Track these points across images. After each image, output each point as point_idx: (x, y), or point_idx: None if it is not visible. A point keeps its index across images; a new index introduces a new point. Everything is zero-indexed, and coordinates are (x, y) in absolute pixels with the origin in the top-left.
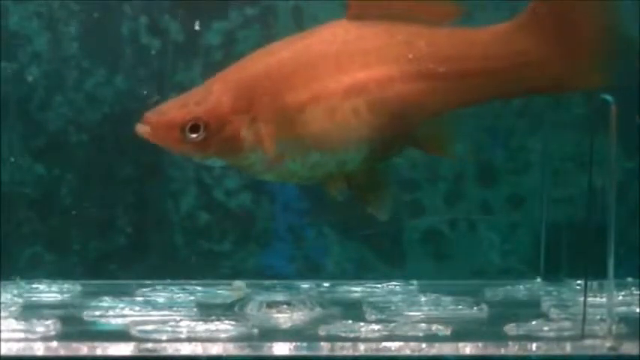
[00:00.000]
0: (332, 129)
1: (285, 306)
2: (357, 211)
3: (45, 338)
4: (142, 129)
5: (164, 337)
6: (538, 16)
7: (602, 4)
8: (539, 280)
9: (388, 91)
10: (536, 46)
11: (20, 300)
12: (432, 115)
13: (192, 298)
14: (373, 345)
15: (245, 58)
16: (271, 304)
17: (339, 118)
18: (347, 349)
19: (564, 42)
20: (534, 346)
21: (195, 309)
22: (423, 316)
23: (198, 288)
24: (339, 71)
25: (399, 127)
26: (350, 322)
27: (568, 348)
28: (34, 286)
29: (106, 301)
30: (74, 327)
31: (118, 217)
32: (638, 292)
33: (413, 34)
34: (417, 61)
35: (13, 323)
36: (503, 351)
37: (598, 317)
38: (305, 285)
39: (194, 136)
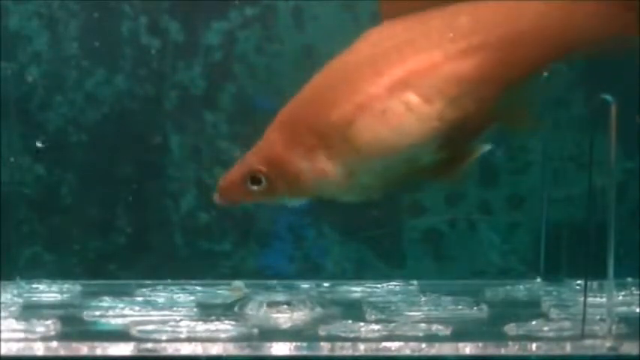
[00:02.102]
0: (387, 131)
1: (285, 306)
2: (357, 212)
3: (45, 338)
4: (215, 197)
5: (164, 337)
6: None
7: None
8: (539, 280)
9: (437, 77)
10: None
11: (20, 300)
12: (504, 85)
13: (192, 298)
14: (373, 345)
15: (294, 96)
16: (271, 304)
17: (390, 118)
18: (347, 349)
19: None
20: (534, 346)
21: (195, 309)
22: (423, 316)
23: (198, 288)
24: (377, 74)
25: (466, 105)
26: (350, 322)
27: (568, 348)
28: (34, 286)
29: (106, 301)
30: (74, 327)
31: (118, 217)
32: (638, 292)
33: (452, 14)
34: (460, 38)
35: (13, 323)
36: (503, 351)
37: (598, 317)
38: (305, 285)
39: (257, 187)
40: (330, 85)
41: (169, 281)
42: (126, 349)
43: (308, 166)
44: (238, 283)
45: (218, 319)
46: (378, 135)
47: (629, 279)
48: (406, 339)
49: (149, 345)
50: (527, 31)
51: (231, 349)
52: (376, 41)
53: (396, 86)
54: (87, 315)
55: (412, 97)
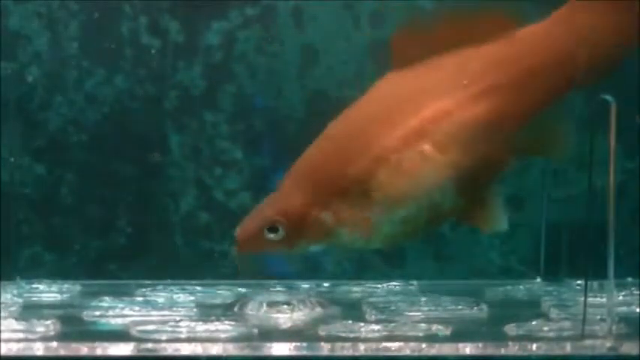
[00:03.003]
0: (404, 182)
1: (285, 306)
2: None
3: (45, 338)
4: (234, 250)
5: (164, 337)
6: None
7: None
8: (539, 280)
9: (450, 125)
10: (595, 21)
11: (20, 300)
12: (520, 124)
13: (192, 298)
14: (373, 345)
15: (310, 145)
16: (271, 304)
17: (406, 169)
18: (347, 349)
19: (622, 10)
20: (534, 346)
21: (195, 309)
22: (423, 316)
23: (198, 288)
24: (391, 126)
25: (482, 149)
26: (350, 322)
27: (568, 348)
28: (34, 286)
29: (106, 301)
30: (74, 327)
31: (118, 217)
32: (638, 292)
33: (462, 59)
34: (471, 83)
35: (13, 323)
36: (503, 351)
37: (598, 317)
38: (305, 285)
39: (273, 236)
40: (345, 137)
41: (169, 281)
42: (126, 349)
43: (327, 218)
44: None
45: (218, 319)
46: (396, 187)
47: (629, 279)
48: (406, 339)
49: (149, 345)
50: (538, 67)
51: (231, 349)
52: (388, 90)
53: (411, 137)
54: (87, 315)
55: (427, 147)
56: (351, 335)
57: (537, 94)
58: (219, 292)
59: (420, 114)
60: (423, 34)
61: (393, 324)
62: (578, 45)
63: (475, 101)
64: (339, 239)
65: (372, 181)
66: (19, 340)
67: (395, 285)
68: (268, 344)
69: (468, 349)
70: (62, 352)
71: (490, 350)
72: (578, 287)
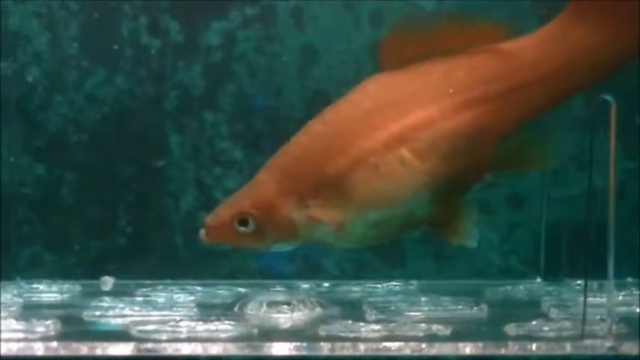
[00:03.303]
0: (381, 186)
1: (285, 306)
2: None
3: (45, 338)
4: (202, 234)
5: (164, 337)
6: (580, 8)
7: None
8: (539, 280)
9: (432, 133)
10: (587, 37)
11: (20, 300)
12: (501, 136)
13: (192, 298)
14: (373, 345)
15: (289, 141)
16: (271, 304)
17: (384, 173)
18: (347, 349)
19: (617, 23)
20: (534, 346)
21: (195, 309)
22: (423, 316)
23: (198, 288)
24: (373, 128)
25: (461, 159)
26: (350, 322)
27: (568, 348)
28: (34, 286)
29: (106, 301)
30: (74, 327)
31: (118, 217)
32: (638, 292)
33: (451, 67)
34: (458, 92)
35: (13, 323)
36: (503, 351)
37: (598, 317)
38: (305, 285)
39: (244, 229)
40: (326, 136)
41: (169, 281)
42: (126, 349)
43: (300, 214)
44: (108, 278)
45: (218, 319)
46: (372, 189)
47: (629, 279)
48: (406, 339)
49: (149, 345)
50: (525, 83)
51: (231, 349)
52: (374, 92)
53: (391, 141)
54: (87, 315)
55: (406, 153)
56: (351, 335)
57: (522, 109)
58: (219, 292)
59: (403, 119)
60: (413, 39)
61: (393, 324)
62: (567, 60)
63: (459, 111)
64: (309, 237)
65: (348, 181)
66: (19, 340)
67: (395, 285)
68: (268, 344)
69: (468, 349)
70: (62, 352)
71: (490, 350)
72: (578, 287)
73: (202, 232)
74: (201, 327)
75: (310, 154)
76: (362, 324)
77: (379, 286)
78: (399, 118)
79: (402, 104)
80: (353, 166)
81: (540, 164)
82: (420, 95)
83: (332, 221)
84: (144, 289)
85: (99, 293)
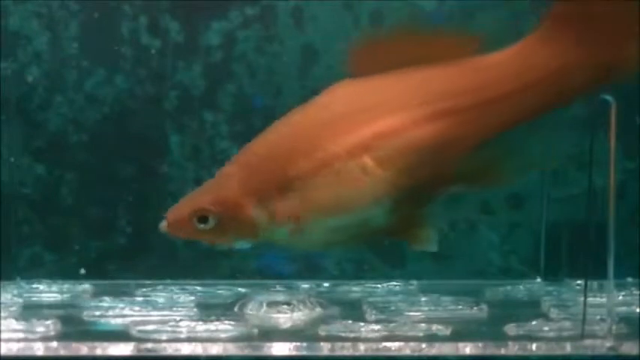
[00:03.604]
0: (341, 192)
1: (285, 306)
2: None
3: (45, 338)
4: (162, 226)
5: (164, 337)
6: (556, 26)
7: None
8: (539, 280)
9: (397, 142)
10: (558, 57)
11: (20, 300)
12: (465, 150)
13: (192, 298)
14: (373, 345)
15: (252, 140)
16: (271, 304)
17: (346, 179)
18: (347, 349)
19: (590, 44)
20: (534, 346)
21: (195, 309)
22: (423, 316)
23: (198, 288)
24: (339, 133)
25: (424, 171)
26: (350, 322)
27: (568, 348)
28: (34, 286)
29: (106, 301)
30: (74, 327)
31: (118, 217)
32: (638, 292)
33: (421, 77)
34: (428, 103)
35: (13, 323)
36: (503, 351)
37: (598, 317)
38: (305, 285)
39: (204, 225)
40: (292, 137)
41: (169, 281)
42: (126, 349)
43: (261, 213)
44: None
45: (218, 319)
46: (332, 194)
47: (629, 279)
48: (406, 339)
49: (149, 345)
50: (496, 98)
51: (231, 349)
52: (342, 98)
53: (356, 148)
54: (87, 315)
55: (369, 161)
56: (351, 335)
57: (490, 124)
58: (219, 292)
59: (369, 127)
60: (384, 46)
61: (393, 324)
62: (538, 78)
63: (426, 122)
64: (268, 236)
65: (310, 184)
66: (19, 340)
67: (395, 285)
68: (268, 344)
69: (468, 349)
70: (62, 352)
71: (490, 350)
72: (578, 287)
73: (163, 224)
74: (201, 327)
75: (274, 155)
76: (362, 324)
77: (379, 286)
78: (365, 125)
79: (369, 111)
80: (315, 170)
81: (504, 181)
82: (388, 103)
83: (290, 224)
84: (144, 289)
85: (99, 293)
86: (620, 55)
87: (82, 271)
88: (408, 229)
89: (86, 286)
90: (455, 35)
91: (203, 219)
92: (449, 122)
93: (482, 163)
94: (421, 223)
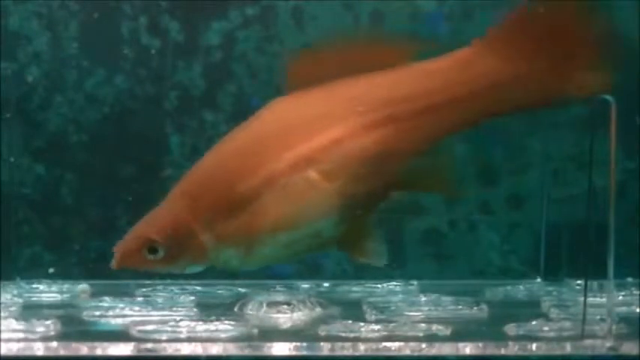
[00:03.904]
0: (289, 207)
1: (285, 306)
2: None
3: (45, 338)
4: (113, 264)
5: (164, 337)
6: (503, 34)
7: (581, 5)
8: (539, 280)
9: (340, 153)
10: (505, 65)
11: (20, 300)
12: (408, 157)
13: (192, 298)
14: (373, 345)
15: (195, 164)
16: (271, 304)
17: (293, 194)
18: (347, 349)
19: (540, 54)
20: (534, 346)
21: (195, 309)
22: (423, 316)
23: (198, 288)
24: (282, 149)
25: (369, 180)
26: (350, 322)
27: (568, 348)
28: (34, 286)
29: (106, 301)
30: (74, 327)
31: (118, 217)
32: (638, 292)
33: (360, 86)
34: (368, 112)
35: (13, 323)
36: (503, 351)
37: (598, 317)
38: (305, 285)
39: (154, 256)
40: (234, 157)
41: (169, 281)
42: (126, 349)
43: (209, 237)
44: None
45: (218, 319)
46: (280, 211)
47: (629, 279)
48: (406, 339)
49: (149, 345)
50: (433, 106)
51: (231, 349)
52: (282, 113)
53: (300, 162)
54: (87, 315)
55: (314, 174)
56: (351, 335)
57: (430, 131)
58: (219, 292)
59: (311, 140)
60: (320, 59)
61: (393, 324)
62: (478, 87)
63: (367, 132)
64: (219, 259)
65: (257, 203)
66: (19, 340)
67: (395, 285)
68: (268, 344)
69: (468, 349)
70: (62, 352)
71: (490, 350)
72: (578, 287)
73: (113, 262)
74: (201, 327)
75: (218, 177)
76: (362, 324)
77: (379, 286)
78: (307, 139)
79: (309, 125)
80: (261, 187)
81: (446, 186)
82: (328, 116)
83: (240, 244)
84: (144, 289)
85: (99, 293)
86: (568, 69)
87: (51, 270)
88: (357, 241)
89: (86, 286)
90: (393, 42)
91: (153, 250)
92: (389, 130)
93: (425, 168)
94: (368, 234)
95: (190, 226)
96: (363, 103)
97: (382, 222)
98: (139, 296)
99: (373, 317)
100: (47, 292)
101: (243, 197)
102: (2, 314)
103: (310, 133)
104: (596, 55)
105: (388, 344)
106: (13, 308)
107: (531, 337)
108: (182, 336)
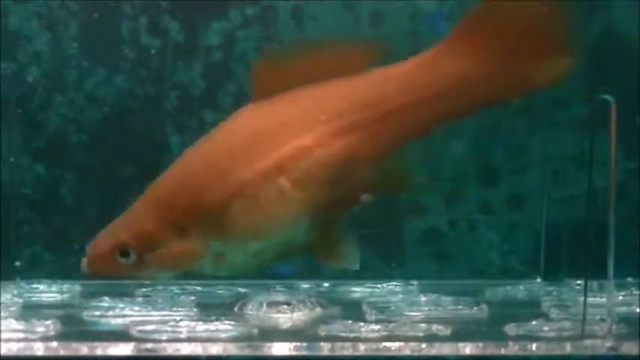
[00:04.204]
0: (260, 216)
1: (285, 306)
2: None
3: (45, 338)
4: (83, 267)
5: (164, 337)
6: (464, 33)
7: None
8: (539, 280)
9: (307, 161)
10: (468, 63)
11: (20, 300)
12: (376, 161)
13: (192, 298)
14: (373, 345)
15: (165, 171)
16: (271, 304)
17: (262, 203)
18: (347, 349)
19: (500, 48)
20: (534, 346)
21: (195, 309)
22: (423, 316)
23: (198, 288)
24: (252, 158)
25: (338, 186)
26: (350, 322)
27: (568, 348)
28: (34, 286)
29: (106, 301)
30: (74, 327)
31: (118, 217)
32: (638, 292)
33: (324, 94)
34: (333, 120)
35: (13, 323)
36: (503, 351)
37: (598, 317)
38: (305, 285)
39: (125, 260)
40: (203, 165)
41: (169, 281)
42: (126, 349)
43: (179, 244)
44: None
45: (218, 319)
46: (250, 220)
47: (629, 279)
48: (406, 339)
49: (149, 345)
50: (397, 109)
51: (231, 349)
52: (248, 122)
53: (269, 171)
54: (87, 315)
55: (284, 183)
56: (351, 335)
57: (395, 134)
58: (219, 292)
59: (280, 149)
60: (283, 67)
61: (393, 324)
62: (440, 89)
63: (334, 139)
64: (189, 266)
65: (227, 212)
66: (19, 340)
67: (395, 285)
68: (268, 344)
69: (468, 349)
70: (62, 352)
71: (490, 350)
72: (578, 287)
73: (83, 265)
74: (201, 327)
75: (189, 184)
76: (362, 324)
77: (379, 286)
78: (276, 147)
79: (277, 134)
80: (231, 197)
81: (413, 184)
82: (295, 124)
83: (210, 251)
84: (144, 289)
85: (99, 293)
86: (529, 59)
87: (17, 263)
88: (329, 246)
89: (86, 286)
90: (355, 46)
91: (125, 254)
92: (356, 137)
93: (392, 170)
94: (340, 238)
95: (160, 233)
96: (327, 112)
97: (357, 226)
98: (139, 296)
99: (373, 317)
100: (47, 292)
101: (213, 207)
102: (2, 314)
103: (278, 142)
104: (554, 41)
105: (388, 344)
106: (13, 308)
107: (531, 337)
108: (182, 336)
